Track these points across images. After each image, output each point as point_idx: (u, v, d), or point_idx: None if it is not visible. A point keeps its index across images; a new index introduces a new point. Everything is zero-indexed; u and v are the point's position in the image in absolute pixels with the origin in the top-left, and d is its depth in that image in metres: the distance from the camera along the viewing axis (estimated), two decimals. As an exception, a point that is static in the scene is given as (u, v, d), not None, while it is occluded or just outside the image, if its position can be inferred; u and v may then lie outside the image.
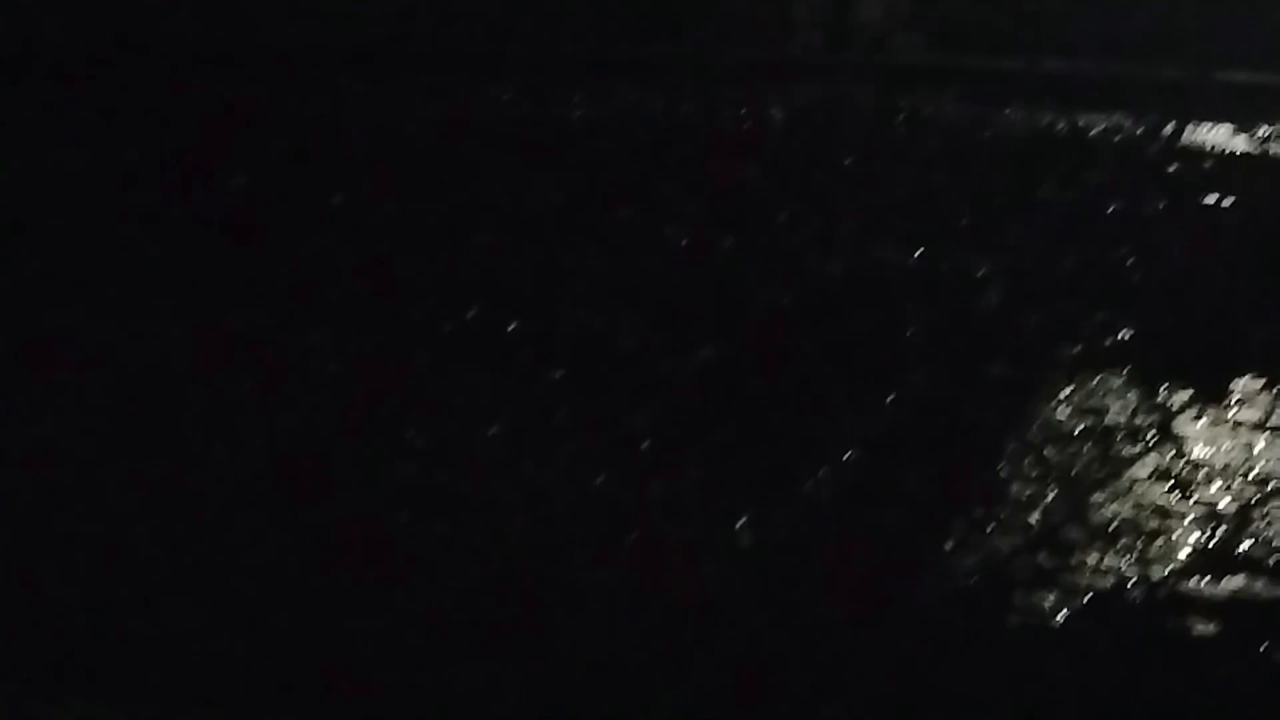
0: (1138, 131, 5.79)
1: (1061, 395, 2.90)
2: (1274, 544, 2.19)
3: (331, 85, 6.41)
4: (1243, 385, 2.98)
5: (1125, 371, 3.04)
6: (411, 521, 2.21)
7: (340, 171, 4.78)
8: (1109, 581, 2.04)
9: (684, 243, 4.05)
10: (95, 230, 4.07)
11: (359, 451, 2.51)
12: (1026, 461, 2.56)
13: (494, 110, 6.20)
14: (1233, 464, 2.57)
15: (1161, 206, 4.57)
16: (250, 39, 7.63)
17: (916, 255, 3.89)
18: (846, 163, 5.14)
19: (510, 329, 3.22)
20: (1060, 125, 5.97)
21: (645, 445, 2.54)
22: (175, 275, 3.63)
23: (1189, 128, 5.81)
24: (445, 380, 2.90)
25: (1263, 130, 5.73)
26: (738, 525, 2.20)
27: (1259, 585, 2.05)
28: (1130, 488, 2.43)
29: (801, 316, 3.39)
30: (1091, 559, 2.12)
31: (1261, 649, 1.80)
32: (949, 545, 2.18)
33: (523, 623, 1.87)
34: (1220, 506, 2.36)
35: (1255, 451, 2.63)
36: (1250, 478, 2.50)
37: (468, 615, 1.89)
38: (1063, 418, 2.79)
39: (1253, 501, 2.37)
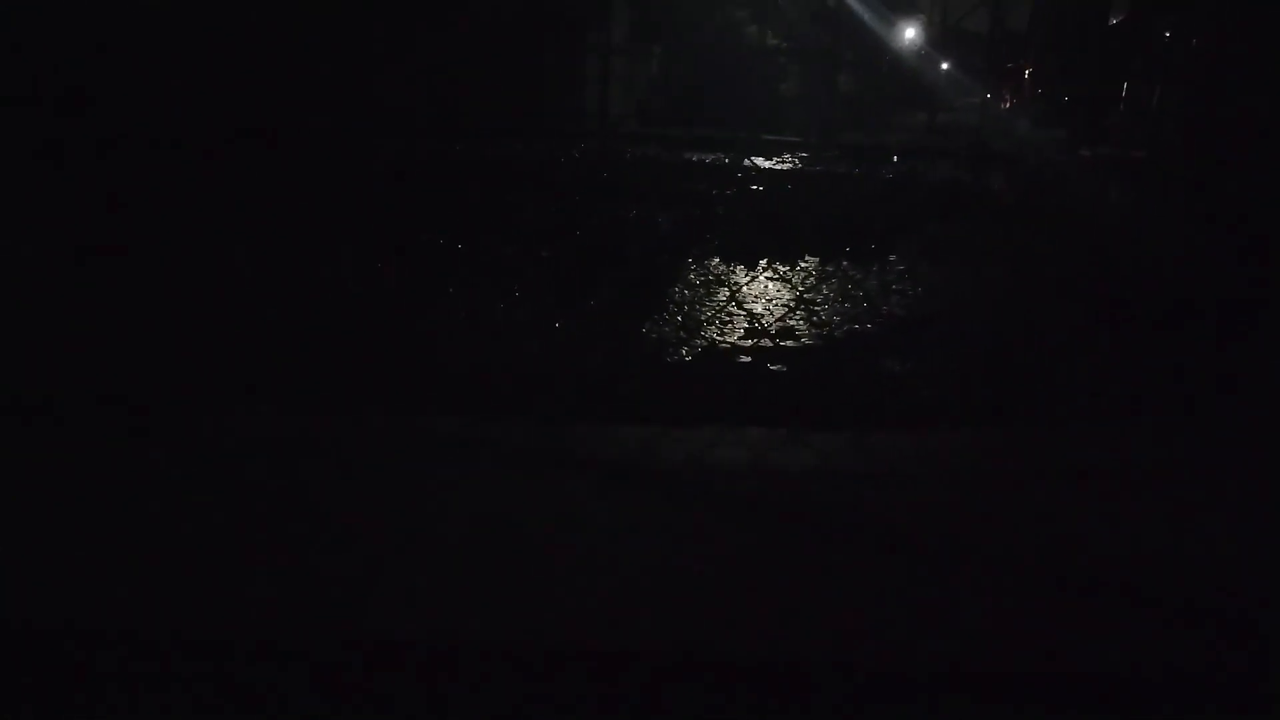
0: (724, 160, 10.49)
1: (690, 266, 6.16)
2: (775, 322, 5.46)
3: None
4: (764, 263, 6.44)
5: (716, 260, 6.41)
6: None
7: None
8: (712, 338, 5.16)
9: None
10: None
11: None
12: (681, 290, 5.72)
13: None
14: (759, 293, 5.90)
15: (731, 192, 8.57)
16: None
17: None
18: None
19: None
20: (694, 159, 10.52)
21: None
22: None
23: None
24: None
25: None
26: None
27: (767, 342, 5.27)
28: (718, 303, 5.64)
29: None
30: (706, 331, 5.23)
31: (769, 365, 4.97)
32: (645, 326, 5.19)
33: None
34: (756, 310, 5.62)
35: (769, 288, 6.02)
36: (767, 299, 5.83)
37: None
38: (692, 277, 6.03)
39: (767, 309, 5.68)
